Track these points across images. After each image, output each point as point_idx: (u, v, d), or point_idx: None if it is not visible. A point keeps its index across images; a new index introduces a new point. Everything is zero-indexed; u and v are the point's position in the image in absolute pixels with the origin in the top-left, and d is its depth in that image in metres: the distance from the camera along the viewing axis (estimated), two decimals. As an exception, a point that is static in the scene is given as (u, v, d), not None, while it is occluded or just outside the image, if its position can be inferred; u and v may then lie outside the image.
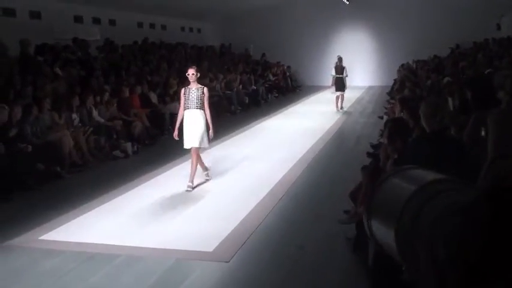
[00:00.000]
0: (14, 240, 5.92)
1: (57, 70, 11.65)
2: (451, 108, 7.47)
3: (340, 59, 17.53)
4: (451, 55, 20.39)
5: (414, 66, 19.80)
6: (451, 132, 5.38)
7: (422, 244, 3.23)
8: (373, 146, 9.32)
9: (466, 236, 2.67)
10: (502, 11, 21.24)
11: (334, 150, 11.03)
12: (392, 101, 13.01)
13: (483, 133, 4.35)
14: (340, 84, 17.24)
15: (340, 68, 17.36)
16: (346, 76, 17.52)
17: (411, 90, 10.55)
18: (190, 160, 8.07)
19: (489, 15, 21.51)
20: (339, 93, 17.32)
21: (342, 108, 17.43)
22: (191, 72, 7.82)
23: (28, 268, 5.20)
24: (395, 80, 19.66)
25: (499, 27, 21.93)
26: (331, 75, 17.61)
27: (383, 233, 3.78)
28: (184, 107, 7.84)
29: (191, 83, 7.86)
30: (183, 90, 7.95)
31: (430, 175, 3.75)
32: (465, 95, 5.87)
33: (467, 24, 22.03)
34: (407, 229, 3.34)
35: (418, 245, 3.26)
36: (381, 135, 9.05)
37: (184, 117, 7.85)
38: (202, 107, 7.80)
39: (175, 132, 8.11)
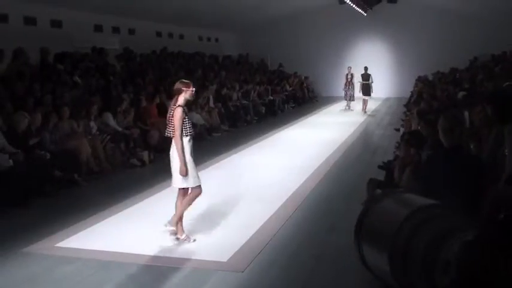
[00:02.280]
0: (31, 246, 5.98)
1: (76, 78, 11.79)
2: (468, 123, 7.39)
3: (365, 68, 20.35)
4: (469, 68, 20.22)
5: (432, 78, 19.68)
6: (471, 147, 5.32)
7: (418, 269, 3.18)
8: (385, 163, 8.78)
9: (472, 263, 2.63)
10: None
11: (351, 162, 10.98)
12: (409, 113, 12.94)
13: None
14: (366, 90, 19.95)
15: (366, 76, 20.21)
16: (372, 82, 20.15)
17: (428, 103, 10.48)
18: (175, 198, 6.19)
19: (507, 27, 21.29)
20: (366, 97, 19.84)
21: (365, 111, 19.49)
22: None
23: (44, 275, 5.25)
24: (411, 92, 19.61)
25: (517, 39, 21.68)
26: (358, 82, 20.25)
27: (374, 256, 3.72)
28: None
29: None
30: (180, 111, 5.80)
31: (420, 200, 3.72)
32: (484, 109, 5.79)
33: (485, 37, 21.86)
34: (402, 252, 3.30)
35: (413, 269, 3.21)
36: (397, 148, 9.00)
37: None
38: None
39: None
